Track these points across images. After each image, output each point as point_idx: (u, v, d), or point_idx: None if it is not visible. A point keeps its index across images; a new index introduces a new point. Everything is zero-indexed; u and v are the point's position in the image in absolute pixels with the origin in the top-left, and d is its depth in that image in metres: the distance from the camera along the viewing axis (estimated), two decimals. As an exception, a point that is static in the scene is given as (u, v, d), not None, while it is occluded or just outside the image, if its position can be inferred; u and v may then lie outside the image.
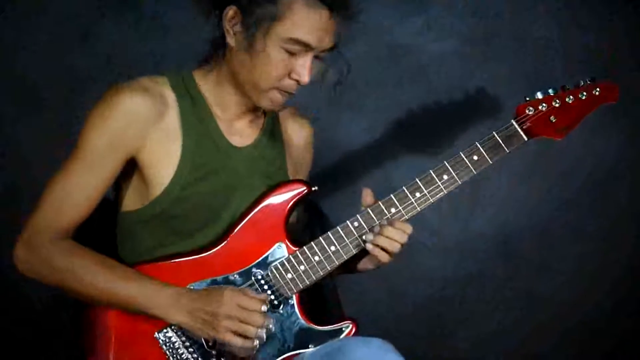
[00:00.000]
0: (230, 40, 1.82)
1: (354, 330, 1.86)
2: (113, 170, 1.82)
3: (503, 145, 1.90)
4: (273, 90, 1.83)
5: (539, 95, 1.94)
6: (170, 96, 1.86)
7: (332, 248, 1.86)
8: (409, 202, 1.88)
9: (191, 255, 1.86)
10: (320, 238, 1.87)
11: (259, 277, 1.85)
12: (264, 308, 1.75)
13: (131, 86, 1.82)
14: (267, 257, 1.86)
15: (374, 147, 2.79)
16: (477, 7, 2.78)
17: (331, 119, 2.73)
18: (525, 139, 1.91)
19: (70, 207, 1.80)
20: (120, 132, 1.79)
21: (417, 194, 1.88)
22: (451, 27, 2.78)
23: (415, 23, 2.78)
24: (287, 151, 2.03)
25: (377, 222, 1.86)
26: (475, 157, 1.89)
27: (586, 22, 2.77)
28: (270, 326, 1.80)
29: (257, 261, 1.86)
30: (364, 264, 1.94)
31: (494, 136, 1.90)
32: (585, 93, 1.95)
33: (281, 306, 1.85)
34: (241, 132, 1.93)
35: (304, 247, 1.86)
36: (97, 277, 1.77)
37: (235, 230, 1.87)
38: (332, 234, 1.87)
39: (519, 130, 1.90)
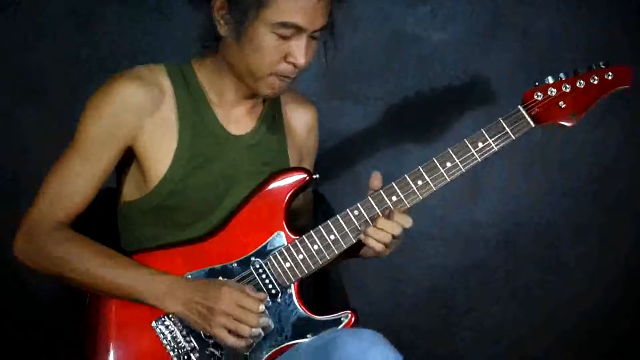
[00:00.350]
0: (222, 30, 1.79)
1: (353, 320, 1.83)
2: (110, 160, 1.81)
3: (509, 131, 1.84)
4: (271, 76, 1.80)
5: (550, 80, 1.88)
6: (167, 85, 1.84)
7: (332, 237, 1.84)
8: (411, 190, 1.84)
9: (189, 244, 1.85)
10: (320, 227, 1.84)
11: (258, 266, 1.83)
12: (262, 308, 1.74)
13: (126, 75, 1.81)
14: (266, 246, 1.84)
15: (376, 136, 2.76)
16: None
17: (333, 107, 2.70)
18: (533, 125, 1.85)
19: (68, 198, 1.80)
20: (115, 121, 1.79)
21: (420, 182, 1.84)
22: (455, 15, 2.73)
23: (420, 11, 2.74)
24: (289, 138, 2.00)
25: (378, 211, 1.82)
26: (480, 144, 1.84)
27: (591, 12, 2.72)
28: (270, 325, 1.78)
29: (255, 250, 1.84)
30: (365, 250, 1.91)
31: (499, 122, 1.85)
32: (597, 77, 1.89)
33: (279, 295, 1.83)
34: (239, 120, 1.91)
35: (303, 236, 1.84)
36: (93, 266, 1.77)
37: (234, 219, 1.86)
38: (331, 222, 1.84)
39: (526, 116, 1.85)
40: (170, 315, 1.79)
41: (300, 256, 1.83)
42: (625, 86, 1.90)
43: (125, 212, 1.90)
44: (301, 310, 1.83)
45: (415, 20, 2.74)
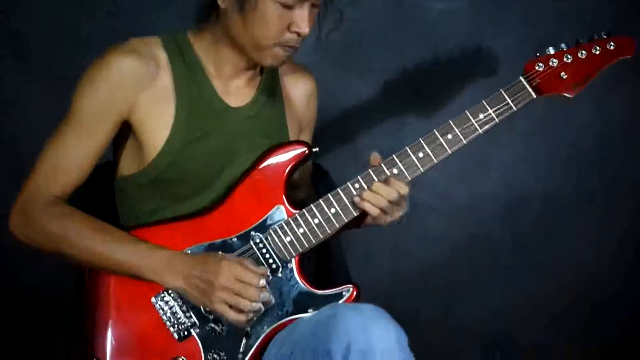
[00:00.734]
0: (221, 3, 1.77)
1: (354, 294, 1.81)
2: (106, 134, 1.79)
3: (511, 103, 1.83)
4: (275, 47, 1.78)
5: (551, 51, 1.87)
6: (163, 57, 1.82)
7: (332, 210, 1.82)
8: (412, 162, 1.82)
9: (188, 219, 1.83)
10: (320, 200, 1.82)
11: (258, 240, 1.81)
12: (262, 282, 1.72)
13: (121, 48, 1.78)
14: (265, 220, 1.82)
15: (377, 108, 2.73)
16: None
17: (336, 79, 2.67)
18: (534, 96, 1.84)
19: (64, 173, 1.78)
20: (110, 95, 1.76)
21: (420, 154, 1.82)
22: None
23: (424, -18, 2.71)
24: (287, 109, 1.97)
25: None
26: (481, 116, 1.83)
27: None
28: (270, 299, 1.77)
29: (255, 224, 1.82)
30: (366, 219, 1.88)
31: (500, 93, 1.84)
32: (599, 48, 1.88)
33: (280, 270, 1.81)
34: (237, 92, 1.89)
35: (304, 210, 1.82)
36: (90, 241, 1.75)
37: (233, 193, 1.84)
38: (332, 195, 1.82)
39: (528, 87, 1.84)
40: (170, 291, 1.78)
41: (301, 230, 1.81)
42: (628, 56, 1.89)
43: (122, 187, 1.88)
44: (302, 284, 1.82)
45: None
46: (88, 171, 1.80)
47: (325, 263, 2.07)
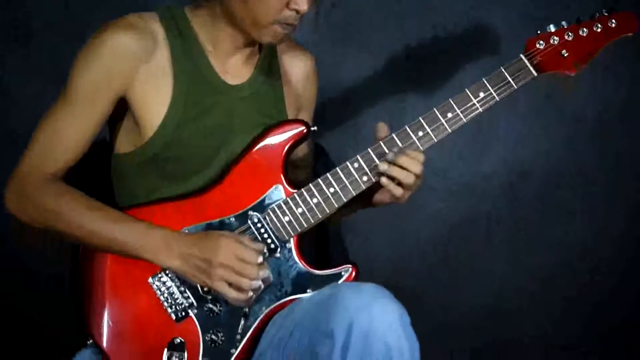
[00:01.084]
0: None
1: (354, 274, 1.79)
2: (102, 111, 1.77)
3: (511, 81, 1.82)
4: (274, 24, 1.75)
5: (551, 28, 1.85)
6: (160, 32, 1.79)
7: (331, 190, 1.80)
8: (412, 141, 1.80)
9: (185, 198, 1.81)
10: (319, 180, 1.80)
11: (256, 220, 1.79)
12: (260, 259, 1.71)
13: (117, 24, 1.75)
14: (264, 200, 1.81)
15: (377, 86, 2.71)
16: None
17: (335, 56, 2.65)
18: (535, 74, 1.83)
19: (60, 150, 1.76)
20: (106, 71, 1.74)
21: (420, 133, 1.80)
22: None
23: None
24: (286, 88, 1.95)
25: (378, 163, 1.79)
26: (481, 94, 1.81)
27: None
28: (269, 277, 1.75)
29: (253, 204, 1.80)
30: (380, 199, 1.85)
31: (501, 71, 1.82)
32: (600, 25, 1.86)
33: (278, 250, 1.80)
34: (235, 70, 1.86)
35: (302, 190, 1.80)
36: (85, 219, 1.73)
37: (231, 172, 1.81)
38: (331, 175, 1.80)
39: (528, 65, 1.83)
40: (167, 271, 1.76)
41: (300, 210, 1.80)
42: (630, 33, 1.87)
43: (119, 165, 1.86)
44: (301, 264, 1.80)
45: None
46: (84, 148, 1.78)
47: (323, 243, 2.06)
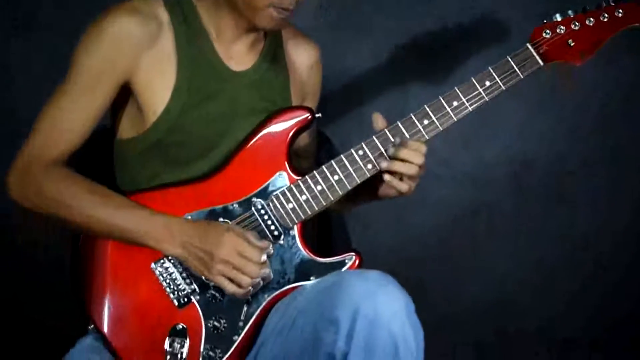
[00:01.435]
0: None
1: (357, 262, 1.79)
2: (106, 96, 1.75)
3: (517, 70, 1.81)
4: (269, 8, 1.74)
5: (558, 17, 1.84)
6: (165, 17, 1.78)
7: (335, 177, 1.79)
8: (417, 129, 1.79)
9: (189, 184, 1.80)
10: (323, 167, 1.79)
11: (259, 206, 1.78)
12: (264, 258, 1.70)
13: (122, 8, 1.74)
14: (267, 186, 1.80)
15: (382, 74, 2.70)
16: None
17: (337, 44, 2.64)
18: (541, 63, 1.82)
19: (63, 135, 1.74)
20: (110, 56, 1.72)
21: (425, 122, 1.79)
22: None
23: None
24: (291, 76, 1.94)
25: (383, 150, 1.78)
26: (487, 83, 1.81)
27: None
28: (270, 275, 1.75)
29: (257, 190, 1.79)
30: (385, 193, 1.85)
31: (507, 61, 1.81)
32: (607, 15, 1.84)
33: (282, 237, 1.79)
34: (240, 56, 1.85)
35: (306, 177, 1.79)
36: (87, 205, 1.72)
37: (235, 158, 1.81)
38: (335, 162, 1.79)
39: (535, 54, 1.82)
40: (170, 257, 1.75)
41: (304, 197, 1.79)
42: (637, 24, 1.86)
43: (121, 151, 1.85)
44: (304, 252, 1.79)
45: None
46: (86, 134, 1.76)
47: (326, 231, 2.05)
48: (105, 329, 1.75)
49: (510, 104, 2.72)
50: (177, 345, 1.73)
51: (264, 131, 1.82)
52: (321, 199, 1.79)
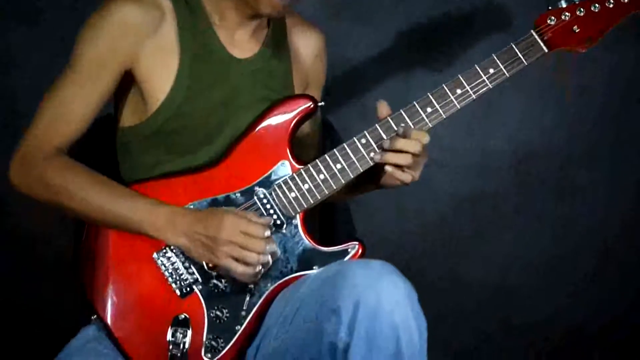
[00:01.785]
0: None
1: (360, 251, 1.78)
2: (108, 84, 1.75)
3: (521, 57, 1.79)
4: None
5: (563, 4, 1.83)
6: (167, 5, 1.77)
7: (338, 166, 1.78)
8: (420, 117, 1.78)
9: (191, 173, 1.79)
10: (326, 155, 1.78)
11: (262, 195, 1.77)
12: (267, 233, 1.69)
13: None
14: (270, 175, 1.79)
15: (385, 62, 2.68)
16: None
17: (340, 32, 2.62)
18: (546, 50, 1.80)
19: (65, 123, 1.74)
20: (112, 44, 1.72)
21: (429, 109, 1.78)
22: None
23: None
24: (294, 64, 1.93)
25: (386, 138, 1.77)
26: (491, 70, 1.79)
27: None
28: (276, 251, 1.74)
29: (259, 179, 1.78)
30: (389, 182, 1.83)
31: (511, 48, 1.80)
32: (612, 1, 1.82)
33: (284, 226, 1.78)
34: (243, 44, 1.84)
35: (309, 165, 1.78)
36: (90, 194, 1.71)
37: (237, 147, 1.80)
38: (338, 151, 1.78)
39: (539, 41, 1.80)
40: (172, 247, 1.74)
41: (306, 186, 1.78)
42: (643, 10, 1.85)
43: (124, 139, 1.84)
44: (307, 241, 1.78)
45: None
46: (89, 122, 1.76)
47: (329, 220, 2.04)
48: (108, 319, 1.74)
49: (515, 91, 2.70)
50: (179, 335, 1.71)
51: (267, 120, 1.81)
52: (324, 188, 1.78)
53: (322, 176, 1.78)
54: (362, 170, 1.79)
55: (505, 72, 1.79)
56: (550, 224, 2.85)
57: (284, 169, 1.79)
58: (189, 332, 1.73)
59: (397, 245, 2.79)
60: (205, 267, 1.74)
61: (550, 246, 2.86)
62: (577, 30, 1.81)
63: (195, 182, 1.78)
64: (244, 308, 1.76)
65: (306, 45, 1.96)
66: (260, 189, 1.78)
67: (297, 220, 1.79)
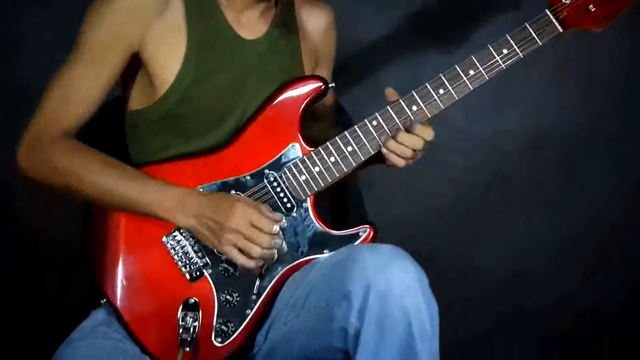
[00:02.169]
0: None
1: (371, 234, 1.76)
2: (115, 67, 1.73)
3: (535, 37, 1.76)
4: None
5: (578, -18, 1.79)
6: None
7: (349, 148, 1.76)
8: (432, 99, 1.75)
9: (200, 156, 1.77)
10: (337, 138, 1.76)
11: (272, 178, 1.76)
12: (276, 229, 1.67)
13: None
14: (280, 158, 1.77)
15: (397, 42, 2.65)
16: None
17: (351, 12, 2.58)
18: (560, 30, 1.77)
19: (72, 105, 1.72)
20: (119, 26, 1.70)
21: (441, 91, 1.75)
22: None
23: None
24: (303, 43, 1.91)
25: (397, 121, 1.75)
26: (504, 51, 1.76)
27: None
28: (284, 247, 1.72)
29: (269, 162, 1.77)
30: (388, 161, 1.81)
31: (525, 27, 1.77)
32: (629, -22, 1.80)
33: (295, 209, 1.76)
34: (250, 24, 1.81)
35: (319, 148, 1.76)
36: (99, 177, 1.70)
37: (247, 130, 1.78)
38: (349, 133, 1.76)
39: (554, 20, 1.76)
40: (182, 230, 1.73)
41: (317, 168, 1.76)
42: (661, -12, 1.81)
43: (132, 123, 1.83)
44: (318, 224, 1.77)
45: None
46: (96, 105, 1.74)
47: (341, 203, 2.02)
48: (118, 303, 1.73)
49: (527, 74, 2.66)
50: (189, 319, 1.70)
51: (277, 101, 1.79)
52: (334, 171, 1.76)
53: (332, 159, 1.76)
54: (373, 153, 1.77)
55: (519, 52, 1.76)
56: (562, 208, 2.83)
57: (294, 151, 1.77)
58: (199, 316, 1.72)
59: (409, 228, 2.76)
60: (216, 251, 1.73)
61: (562, 230, 2.84)
62: (592, 9, 1.78)
63: (205, 165, 1.77)
64: (255, 292, 1.74)
65: (315, 22, 1.94)
66: (271, 171, 1.76)
67: (308, 204, 1.77)
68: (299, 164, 1.76)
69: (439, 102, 1.76)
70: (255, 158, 1.77)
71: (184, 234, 1.74)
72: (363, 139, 1.76)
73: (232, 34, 1.79)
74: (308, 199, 1.77)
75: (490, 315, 2.89)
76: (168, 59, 1.73)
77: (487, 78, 1.76)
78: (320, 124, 1.93)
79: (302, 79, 1.82)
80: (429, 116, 1.76)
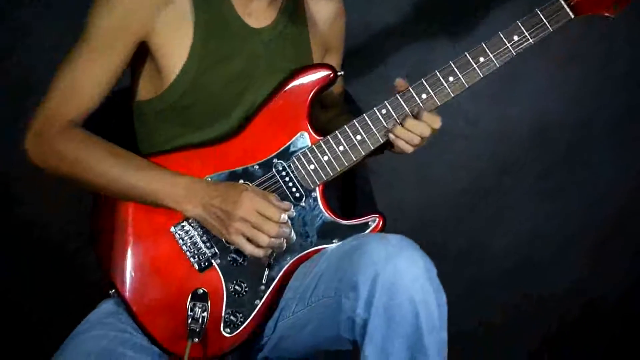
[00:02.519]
0: None
1: (380, 224, 1.75)
2: (122, 56, 1.71)
3: (546, 23, 1.74)
4: None
5: (590, -33, 1.76)
6: None
7: (358, 137, 1.75)
8: (442, 87, 1.74)
9: (208, 146, 1.76)
10: (346, 126, 1.75)
11: (280, 168, 1.75)
12: (284, 218, 1.66)
13: None
14: (288, 147, 1.76)
15: (406, 30, 2.63)
16: None
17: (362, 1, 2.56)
18: (572, 16, 1.75)
19: (79, 96, 1.71)
20: (125, 17, 1.68)
21: (451, 79, 1.74)
22: None
23: None
24: (311, 31, 1.89)
25: (407, 109, 1.73)
26: (515, 37, 1.74)
27: None
28: (292, 236, 1.72)
29: (278, 151, 1.76)
30: (395, 147, 1.81)
31: (537, 14, 1.74)
32: (642, -37, 1.77)
33: (303, 199, 1.75)
34: (258, 13, 1.80)
35: (328, 137, 1.75)
36: (106, 166, 1.69)
37: (255, 119, 1.77)
38: (358, 122, 1.75)
39: (565, 6, 1.74)
40: (190, 220, 1.73)
41: (325, 158, 1.75)
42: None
43: (140, 112, 1.82)
44: (326, 214, 1.76)
45: None
46: (104, 93, 1.73)
47: (350, 193, 2.01)
48: (127, 294, 1.73)
49: (537, 62, 2.65)
50: (198, 310, 1.70)
51: (285, 90, 1.78)
52: (343, 160, 1.75)
53: (341, 148, 1.75)
54: (382, 142, 1.75)
55: (530, 39, 1.74)
56: (571, 194, 2.81)
57: (303, 140, 1.76)
58: (208, 307, 1.71)
59: (418, 217, 2.76)
60: (224, 240, 1.72)
61: (571, 217, 2.83)
62: (604, -5, 1.76)
63: (213, 154, 1.76)
64: (264, 282, 1.74)
65: (323, 9, 1.92)
66: (279, 161, 1.75)
67: (317, 193, 1.76)
68: (308, 153, 1.75)
69: (448, 89, 1.74)
70: (263, 147, 1.76)
71: (192, 224, 1.73)
72: (372, 127, 1.74)
73: (240, 22, 1.77)
74: (317, 188, 1.76)
75: (501, 303, 2.89)
76: (175, 49, 1.72)
77: (497, 65, 1.75)
78: (328, 112, 1.91)
79: (311, 67, 1.80)
80: (439, 104, 1.75)
